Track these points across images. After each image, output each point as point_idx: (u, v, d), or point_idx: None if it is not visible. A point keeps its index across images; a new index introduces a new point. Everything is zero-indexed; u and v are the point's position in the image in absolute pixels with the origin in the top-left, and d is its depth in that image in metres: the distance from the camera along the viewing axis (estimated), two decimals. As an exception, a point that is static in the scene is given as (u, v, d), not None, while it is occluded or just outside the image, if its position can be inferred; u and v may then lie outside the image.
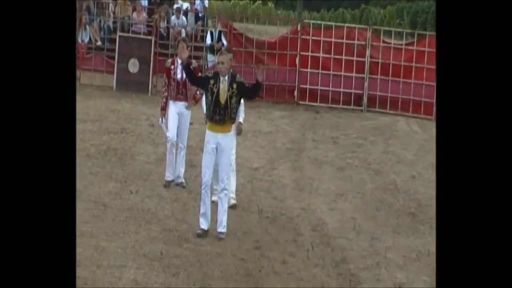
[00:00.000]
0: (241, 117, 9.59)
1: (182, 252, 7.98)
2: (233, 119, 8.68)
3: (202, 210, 8.62)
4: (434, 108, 16.60)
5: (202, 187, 8.61)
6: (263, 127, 15.26)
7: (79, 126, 13.19)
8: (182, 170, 10.51)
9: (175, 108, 10.31)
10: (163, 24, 19.88)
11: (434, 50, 15.30)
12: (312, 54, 18.35)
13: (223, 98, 8.47)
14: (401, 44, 18.68)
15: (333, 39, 18.32)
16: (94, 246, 7.87)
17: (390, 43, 18.67)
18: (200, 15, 20.80)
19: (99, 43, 19.65)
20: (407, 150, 14.11)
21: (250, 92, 8.72)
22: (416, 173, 12.27)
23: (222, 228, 8.55)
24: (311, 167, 12.40)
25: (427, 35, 18.42)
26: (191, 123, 10.72)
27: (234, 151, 9.63)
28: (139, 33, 19.44)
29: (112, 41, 19.25)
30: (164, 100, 10.40)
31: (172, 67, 10.29)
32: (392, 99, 18.02)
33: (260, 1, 50.53)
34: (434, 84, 15.57)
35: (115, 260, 7.57)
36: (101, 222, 8.69)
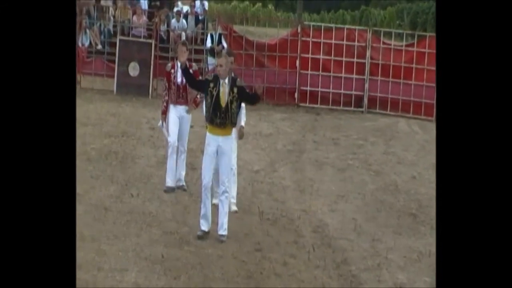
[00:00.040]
0: (242, 121, 9.56)
1: (183, 254, 7.98)
2: (234, 123, 8.67)
3: (202, 212, 8.63)
4: (435, 109, 16.60)
5: (202, 189, 8.62)
6: (263, 129, 15.27)
7: (79, 130, 13.19)
8: (183, 173, 10.52)
9: (176, 112, 10.30)
10: (163, 27, 19.93)
11: (435, 51, 15.29)
12: (312, 56, 18.37)
13: (223, 101, 8.47)
14: (401, 45, 18.71)
15: (333, 41, 18.34)
16: (95, 249, 7.88)
17: (390, 44, 18.68)
18: (200, 18, 20.84)
19: (99, 47, 19.69)
20: (407, 151, 14.12)
21: (250, 98, 8.72)
22: (417, 174, 12.28)
23: (223, 231, 8.55)
24: (312, 169, 12.41)
25: (427, 36, 18.42)
26: (191, 126, 10.72)
27: (235, 155, 9.61)
28: (139, 37, 19.47)
29: (113, 44, 19.29)
30: (165, 104, 10.39)
31: (172, 71, 10.28)
32: (392, 100, 18.03)
33: (260, 3, 50.57)
34: (435, 85, 15.57)
35: (116, 263, 7.57)
36: (102, 226, 8.70)
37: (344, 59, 18.29)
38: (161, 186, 10.38)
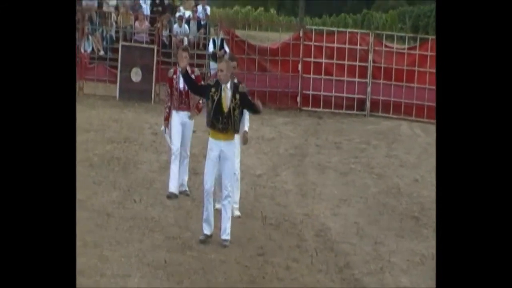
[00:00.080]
0: (246, 126, 9.52)
1: (185, 259, 7.98)
2: (236, 130, 8.64)
3: (204, 216, 8.64)
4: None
5: (204, 194, 8.61)
6: (266, 133, 15.28)
7: (82, 136, 13.24)
8: (186, 178, 10.52)
9: (178, 118, 10.28)
10: (165, 33, 19.96)
11: (436, 53, 15.29)
12: (314, 59, 18.39)
13: (225, 106, 8.46)
14: (404, 48, 18.74)
15: (335, 44, 18.37)
16: (97, 255, 7.88)
17: (393, 48, 18.70)
18: (202, 23, 20.87)
19: (101, 52, 19.72)
20: (410, 154, 14.12)
21: (251, 107, 8.68)
22: (419, 177, 12.27)
23: (226, 235, 8.55)
24: (314, 173, 12.41)
25: (429, 39, 18.42)
26: (194, 131, 10.73)
27: (238, 160, 9.60)
28: (142, 42, 19.51)
29: (115, 50, 19.33)
30: (167, 110, 10.39)
31: (174, 76, 10.26)
32: (395, 104, 18.04)
33: (262, 8, 50.62)
34: (437, 87, 15.55)
35: (118, 269, 7.57)
36: (104, 231, 8.70)
37: (346, 62, 18.31)
38: (163, 191, 10.38)
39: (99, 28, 20.14)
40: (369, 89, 18.26)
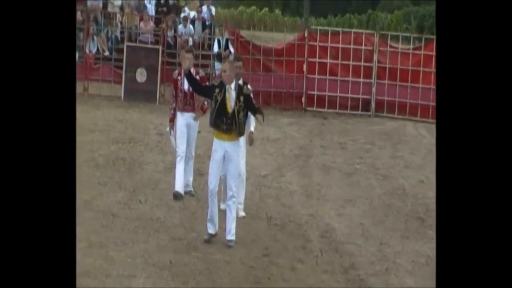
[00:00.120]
0: (252, 126, 9.43)
1: (191, 260, 7.99)
2: (241, 133, 8.62)
3: (209, 216, 8.65)
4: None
5: (209, 194, 8.62)
6: (271, 134, 15.28)
7: (87, 137, 13.27)
8: (191, 179, 10.53)
9: (183, 120, 10.28)
10: (170, 33, 19.98)
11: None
12: (319, 60, 18.39)
13: (229, 107, 8.45)
14: (409, 49, 18.72)
15: (340, 45, 18.36)
16: (103, 255, 7.89)
17: (398, 48, 18.70)
18: (207, 23, 20.88)
19: (106, 53, 19.75)
20: (415, 155, 14.11)
21: (254, 110, 8.63)
22: (425, 178, 12.26)
23: (231, 236, 8.55)
24: (319, 173, 12.41)
25: (434, 39, 18.38)
26: (199, 132, 10.73)
27: (244, 161, 9.59)
28: (147, 43, 19.53)
29: (120, 51, 19.36)
30: (172, 111, 10.40)
31: (179, 78, 10.24)
32: (400, 104, 18.03)
33: (267, 8, 50.62)
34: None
35: (124, 269, 7.58)
36: (110, 232, 8.72)
37: (351, 63, 18.31)
38: (169, 191, 10.39)
39: (104, 29, 20.17)
40: (374, 89, 18.25)
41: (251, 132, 9.36)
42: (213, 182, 8.55)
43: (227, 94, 8.45)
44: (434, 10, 39.29)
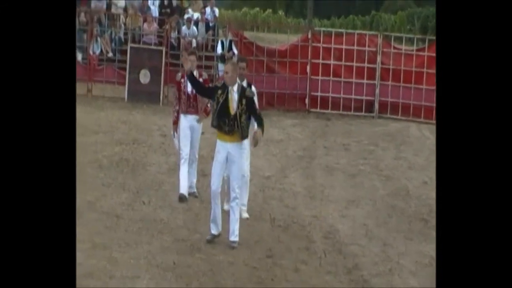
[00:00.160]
0: (256, 125, 9.34)
1: (194, 261, 8.00)
2: (244, 136, 8.58)
3: (212, 217, 8.66)
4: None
5: (211, 195, 8.62)
6: (274, 135, 15.27)
7: (91, 138, 13.29)
8: (194, 180, 10.54)
9: (187, 122, 10.28)
10: (173, 35, 19.99)
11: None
12: (323, 61, 18.38)
13: (232, 109, 8.43)
14: (412, 50, 18.68)
15: (343, 46, 18.35)
16: (106, 257, 7.90)
17: (401, 49, 18.66)
18: (210, 24, 20.91)
19: (110, 54, 19.78)
20: (418, 156, 14.10)
21: (256, 114, 8.58)
22: (428, 179, 12.25)
23: (234, 237, 8.56)
24: (323, 175, 12.41)
25: (437, 41, 18.34)
26: (202, 133, 10.74)
27: (248, 163, 9.57)
28: (150, 44, 19.53)
29: (123, 52, 19.37)
30: (176, 114, 10.40)
31: (182, 80, 10.22)
32: (403, 105, 18.00)
33: (270, 10, 50.59)
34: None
35: (127, 271, 7.60)
36: (113, 233, 8.73)
37: (354, 64, 18.28)
38: (172, 193, 10.40)
39: (107, 30, 20.20)
40: (377, 90, 18.23)
41: (255, 132, 9.08)
42: (215, 183, 8.56)
43: (229, 96, 8.44)
44: (438, 11, 39.28)
